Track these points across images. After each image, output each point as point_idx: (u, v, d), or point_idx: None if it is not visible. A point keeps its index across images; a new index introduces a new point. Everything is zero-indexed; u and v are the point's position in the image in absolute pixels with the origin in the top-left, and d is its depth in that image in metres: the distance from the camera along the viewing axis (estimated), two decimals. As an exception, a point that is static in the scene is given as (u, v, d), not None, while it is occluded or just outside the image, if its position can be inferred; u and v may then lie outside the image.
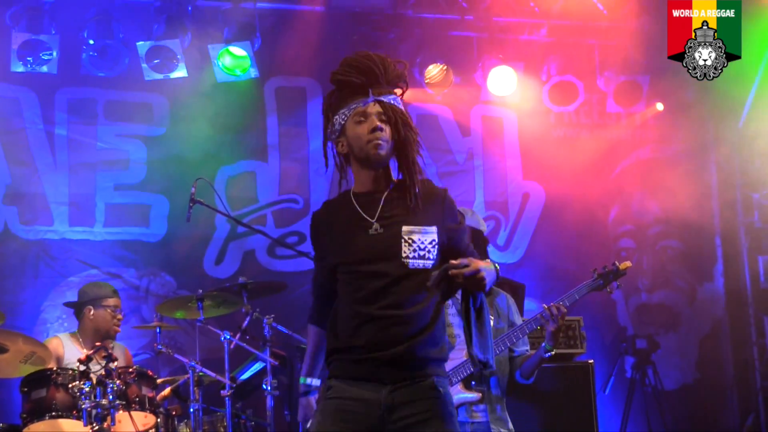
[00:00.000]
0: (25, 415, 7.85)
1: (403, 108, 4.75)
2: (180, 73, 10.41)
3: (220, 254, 10.65)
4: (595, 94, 11.51)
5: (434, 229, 4.63)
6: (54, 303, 10.13)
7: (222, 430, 8.34)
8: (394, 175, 4.74)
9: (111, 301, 8.61)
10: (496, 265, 4.68)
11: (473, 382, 6.95)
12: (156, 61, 10.35)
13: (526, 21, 11.23)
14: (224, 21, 10.37)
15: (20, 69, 10.10)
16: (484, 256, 7.17)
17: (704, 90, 11.50)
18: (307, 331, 4.95)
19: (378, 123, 4.61)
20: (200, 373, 8.16)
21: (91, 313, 8.54)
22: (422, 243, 4.59)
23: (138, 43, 10.28)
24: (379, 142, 4.61)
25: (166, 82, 10.49)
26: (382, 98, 4.66)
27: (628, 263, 7.17)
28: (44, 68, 10.14)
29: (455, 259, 4.52)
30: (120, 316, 8.65)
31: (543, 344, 6.91)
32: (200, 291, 8.31)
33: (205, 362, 8.28)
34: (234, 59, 10.52)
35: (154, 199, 10.60)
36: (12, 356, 7.89)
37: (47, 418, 7.72)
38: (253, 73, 10.60)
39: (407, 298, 4.54)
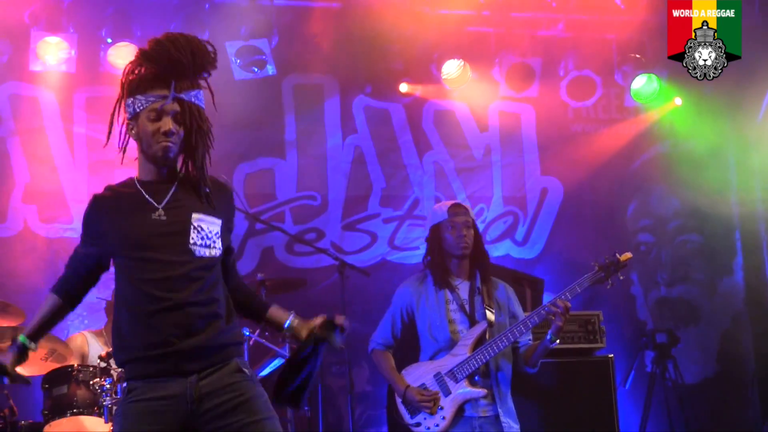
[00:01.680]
0: (46, 412, 7.88)
1: (202, 104, 4.65)
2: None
3: (239, 251, 10.65)
4: (613, 88, 11.49)
5: (220, 221, 4.61)
6: (73, 300, 10.14)
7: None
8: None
9: None
10: None
11: (477, 378, 6.97)
12: (174, 59, 10.35)
13: (543, 16, 11.20)
14: (242, 18, 10.38)
15: (39, 68, 10.14)
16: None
17: (722, 84, 11.46)
18: (45, 299, 4.84)
19: (171, 126, 4.51)
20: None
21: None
22: (210, 232, 4.55)
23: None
24: (169, 145, 4.53)
25: (184, 79, 10.49)
26: (182, 95, 4.54)
27: (628, 254, 7.16)
28: (63, 67, 10.18)
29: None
30: None
31: (548, 336, 6.91)
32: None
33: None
34: (252, 56, 10.51)
35: (171, 194, 10.60)
36: (33, 353, 7.88)
37: (68, 414, 7.75)
38: (271, 70, 10.61)
39: (196, 285, 4.47)
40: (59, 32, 10.06)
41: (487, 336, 7.00)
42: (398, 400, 7.18)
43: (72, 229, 10.30)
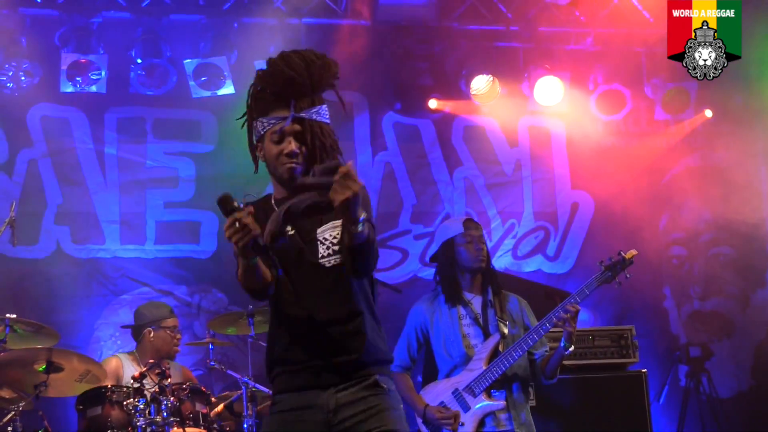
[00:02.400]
0: (80, 433, 7.91)
1: (325, 120, 4.62)
2: (227, 90, 10.47)
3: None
4: (643, 101, 11.45)
5: (339, 222, 4.49)
6: (107, 321, 10.20)
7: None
8: None
9: (170, 322, 8.63)
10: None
11: (493, 391, 6.95)
12: (203, 79, 10.42)
13: (571, 30, 11.20)
14: (270, 37, 10.41)
15: (69, 89, 10.20)
16: None
17: (753, 95, 11.45)
18: None
19: (294, 147, 4.50)
20: (253, 389, 8.18)
21: (152, 335, 8.55)
22: (334, 239, 4.52)
23: (185, 61, 10.35)
24: (293, 166, 4.53)
25: (213, 99, 10.55)
26: (303, 114, 4.52)
27: (634, 251, 7.12)
28: (93, 88, 10.23)
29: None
30: (179, 336, 8.68)
31: (562, 343, 6.89)
32: (251, 307, 8.33)
33: (258, 378, 8.29)
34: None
35: (204, 215, 10.65)
36: (67, 375, 7.94)
37: (103, 435, 7.77)
38: (300, 88, 10.62)
39: (333, 299, 4.47)
40: (89, 53, 10.11)
41: (501, 348, 6.99)
42: (419, 421, 7.17)
43: (104, 250, 10.35)
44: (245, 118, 4.74)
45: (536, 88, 10.97)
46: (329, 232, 4.53)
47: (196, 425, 7.96)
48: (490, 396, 6.95)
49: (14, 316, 7.91)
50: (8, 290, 9.86)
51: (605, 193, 11.40)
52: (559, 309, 6.92)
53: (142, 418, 7.61)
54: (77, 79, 10.14)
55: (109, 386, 7.91)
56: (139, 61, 10.27)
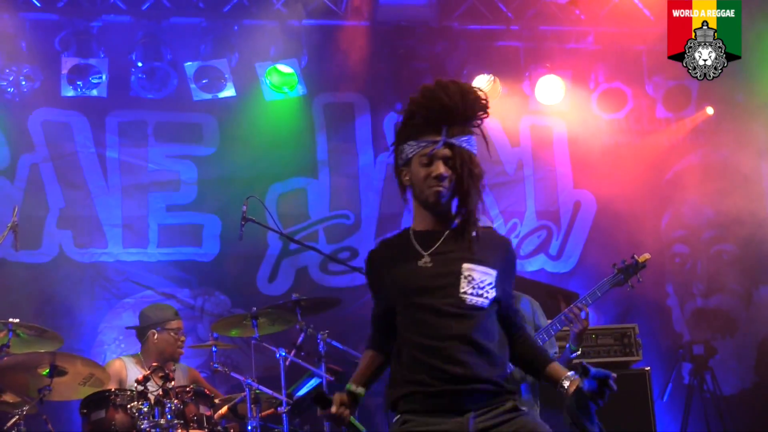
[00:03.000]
0: (85, 437, 7.91)
1: (474, 151, 4.59)
2: (228, 92, 10.48)
3: (273, 271, 10.68)
4: (644, 100, 11.45)
5: (494, 272, 4.55)
6: (110, 325, 10.21)
7: (282, 447, 8.35)
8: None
9: (174, 324, 8.63)
10: None
11: None
12: (204, 81, 10.42)
13: (572, 29, 11.20)
14: (271, 39, 10.42)
15: (70, 93, 10.20)
16: None
17: (754, 92, 11.44)
18: (363, 355, 4.85)
19: (442, 171, 4.48)
20: (257, 391, 8.17)
21: (155, 336, 8.55)
22: (481, 282, 4.50)
23: (186, 64, 10.36)
24: (440, 190, 4.50)
25: (214, 101, 10.56)
26: (453, 140, 4.51)
27: (647, 255, 7.13)
28: (94, 92, 10.24)
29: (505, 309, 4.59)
30: (183, 338, 8.68)
31: (568, 345, 6.90)
32: (254, 309, 8.33)
33: (262, 380, 8.29)
34: (282, 77, 10.57)
35: (206, 218, 10.66)
36: (71, 378, 7.94)
37: (107, 439, 7.77)
38: (301, 90, 10.64)
39: (467, 331, 4.46)
40: (90, 57, 10.11)
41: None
42: None
43: (107, 254, 10.35)
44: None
45: (537, 87, 10.97)
46: (478, 275, 4.51)
47: (200, 428, 7.96)
48: None
49: (17, 320, 7.90)
50: (11, 295, 9.87)
51: (607, 192, 11.39)
52: (568, 309, 6.92)
53: (146, 421, 7.61)
54: (78, 83, 10.15)
55: (113, 390, 7.91)
56: (139, 64, 10.28)
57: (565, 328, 7.05)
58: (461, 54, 10.91)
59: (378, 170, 11.16)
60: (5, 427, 7.61)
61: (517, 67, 11.09)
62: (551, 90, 11.00)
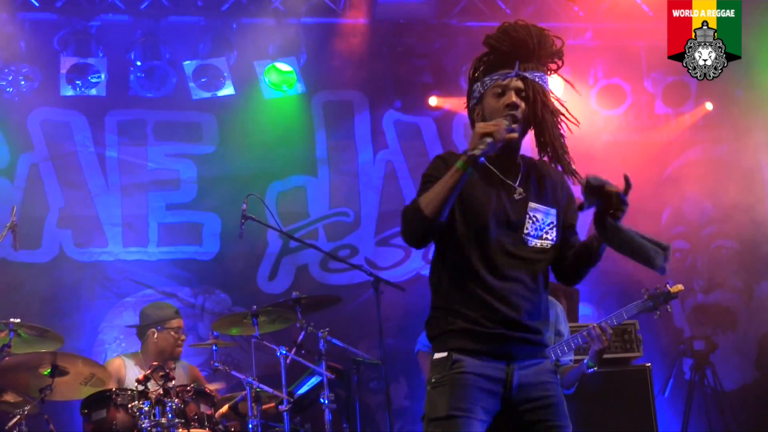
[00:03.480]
0: (86, 437, 7.92)
1: (548, 87, 4.66)
2: (227, 90, 10.48)
3: (274, 270, 10.68)
4: (643, 96, 11.44)
5: (554, 211, 4.62)
6: (111, 324, 10.21)
7: (282, 445, 8.35)
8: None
9: (174, 323, 8.65)
10: None
11: None
12: (203, 80, 10.43)
13: (570, 25, 11.18)
14: (269, 37, 10.42)
15: (69, 93, 10.20)
16: None
17: (753, 88, 11.44)
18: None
19: (514, 99, 4.53)
20: (257, 389, 8.17)
21: (155, 335, 8.57)
22: (543, 222, 4.57)
23: (185, 63, 10.36)
24: (510, 119, 4.50)
25: (213, 100, 10.56)
26: (526, 74, 4.58)
27: (680, 286, 7.14)
28: (93, 91, 10.24)
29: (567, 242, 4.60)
30: (183, 337, 8.69)
31: (585, 360, 6.90)
32: (255, 307, 8.33)
33: (262, 378, 8.29)
34: (280, 75, 10.57)
35: (206, 217, 10.66)
36: (72, 378, 7.95)
37: (108, 438, 7.78)
38: (300, 88, 10.64)
39: (528, 276, 4.50)
40: (89, 57, 10.11)
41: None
42: None
43: (107, 253, 10.36)
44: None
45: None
46: (541, 215, 4.58)
47: (201, 426, 7.96)
48: None
49: (18, 320, 7.90)
50: (12, 295, 9.87)
51: (607, 188, 11.38)
52: (593, 327, 6.92)
53: (147, 421, 7.62)
54: (77, 82, 10.16)
55: (114, 389, 7.91)
56: (138, 63, 10.28)
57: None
58: (460, 51, 10.91)
59: (377, 168, 11.16)
60: (7, 427, 7.62)
61: (515, 64, 11.06)
62: (550, 86, 10.98)
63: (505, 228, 4.50)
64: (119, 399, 7.81)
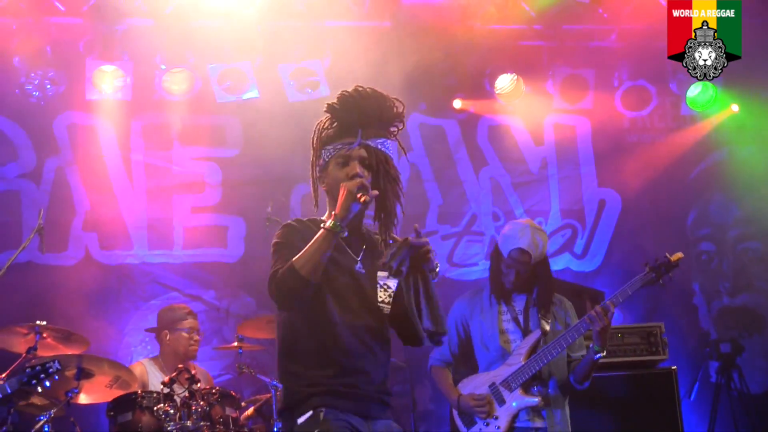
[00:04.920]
0: (112, 439, 7.95)
1: (390, 154, 4.71)
2: (252, 94, 10.50)
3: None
4: (669, 97, 11.41)
5: (395, 281, 4.70)
6: (137, 327, 10.23)
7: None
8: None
9: (186, 324, 8.68)
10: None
11: (534, 388, 6.96)
12: (228, 83, 10.43)
13: (595, 27, 11.15)
14: (294, 40, 10.42)
15: (95, 97, 10.24)
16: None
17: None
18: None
19: (358, 170, 4.57)
20: (283, 392, 8.18)
21: (168, 337, 8.64)
22: (392, 291, 4.67)
23: (209, 66, 10.37)
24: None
25: (238, 103, 10.58)
26: (369, 142, 4.62)
27: (679, 254, 7.12)
28: (119, 95, 10.28)
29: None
30: (196, 337, 8.72)
31: (591, 345, 6.90)
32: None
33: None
34: (305, 78, 10.58)
35: (231, 220, 10.68)
36: (98, 381, 7.98)
37: (134, 441, 7.80)
38: (324, 90, 10.64)
39: (379, 339, 4.63)
40: (114, 61, 10.15)
41: (541, 344, 7.00)
42: (455, 413, 7.22)
43: (132, 255, 10.39)
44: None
45: (560, 85, 10.95)
46: (393, 283, 4.69)
47: (227, 429, 7.98)
48: (526, 391, 6.96)
49: (44, 323, 7.96)
50: (38, 297, 9.90)
51: (632, 190, 11.37)
52: (589, 316, 6.93)
53: (172, 423, 7.65)
54: (103, 86, 10.19)
55: (140, 392, 7.94)
56: (163, 67, 10.30)
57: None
58: (484, 54, 10.89)
59: (402, 170, 10.95)
60: (33, 430, 7.65)
61: (540, 66, 11.06)
62: (574, 88, 10.99)
63: (358, 297, 4.61)
64: (145, 402, 7.84)
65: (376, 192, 4.52)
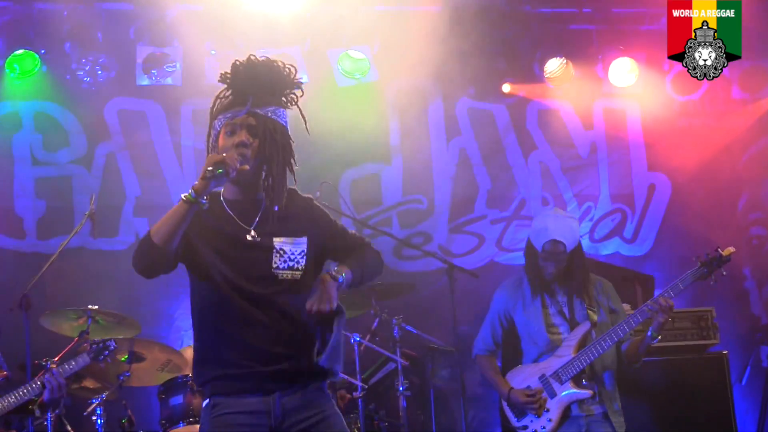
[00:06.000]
0: (163, 422, 8.03)
1: (281, 122, 4.70)
2: (301, 79, 10.49)
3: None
4: (719, 81, 11.23)
5: (304, 239, 4.67)
6: (187, 311, 10.17)
7: (356, 431, 8.39)
8: None
9: None
10: (340, 274, 4.71)
11: (585, 381, 6.95)
12: (277, 68, 10.44)
13: (645, 11, 11.08)
14: (343, 25, 10.42)
15: (146, 82, 10.30)
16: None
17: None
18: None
19: (244, 138, 4.56)
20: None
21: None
22: (293, 254, 4.60)
23: (258, 51, 10.37)
24: (243, 159, 4.54)
25: (287, 88, 10.58)
26: (258, 110, 4.60)
27: (731, 249, 7.07)
28: (169, 80, 10.33)
29: (338, 253, 4.80)
30: None
31: (649, 332, 6.87)
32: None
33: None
34: (354, 63, 10.60)
35: (280, 204, 10.69)
36: (149, 364, 8.06)
37: (185, 424, 7.87)
38: (373, 75, 10.65)
39: (280, 309, 4.55)
40: (164, 46, 10.20)
41: (591, 336, 6.99)
42: (504, 404, 7.20)
43: (182, 240, 10.43)
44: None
45: (610, 69, 10.91)
46: (288, 247, 4.63)
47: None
48: (577, 384, 6.95)
49: (96, 307, 8.03)
50: (90, 282, 9.98)
51: (682, 174, 11.30)
52: (651, 302, 6.90)
53: (223, 407, 7.69)
54: (153, 71, 10.24)
55: (191, 375, 8.00)
56: (213, 52, 10.33)
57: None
58: (533, 37, 10.86)
59: (451, 155, 11.13)
60: (86, 412, 7.73)
61: (589, 50, 11.01)
62: (625, 72, 10.94)
63: (251, 267, 4.55)
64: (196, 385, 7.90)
65: (245, 167, 4.49)
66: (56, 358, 7.67)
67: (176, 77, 10.33)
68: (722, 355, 8.74)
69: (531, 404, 7.00)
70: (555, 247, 7.04)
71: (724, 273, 7.12)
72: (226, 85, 4.69)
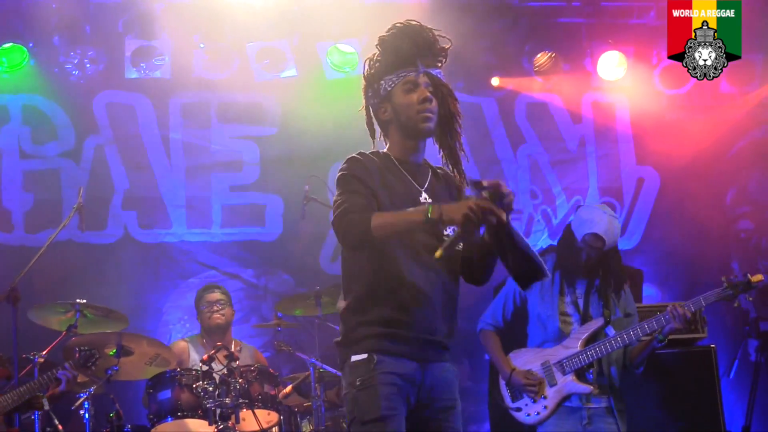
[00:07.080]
0: (151, 416, 8.02)
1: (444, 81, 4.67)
2: (290, 72, 10.51)
3: (336, 250, 10.70)
4: (708, 75, 11.33)
5: None
6: (175, 305, 10.29)
7: (344, 426, 8.39)
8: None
9: (208, 297, 8.91)
10: None
11: (590, 374, 6.95)
12: (266, 62, 10.45)
13: (634, 5, 11.08)
14: (330, 18, 10.41)
15: (134, 75, 10.30)
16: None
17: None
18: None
19: (428, 94, 4.55)
20: (321, 370, 8.22)
21: (198, 316, 8.84)
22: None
23: (248, 45, 10.38)
24: (429, 114, 4.55)
25: (276, 82, 10.59)
26: (430, 70, 4.62)
27: (760, 276, 7.06)
28: (157, 73, 10.33)
29: None
30: (216, 308, 8.82)
31: (657, 337, 6.88)
32: (318, 288, 8.37)
33: (326, 358, 8.34)
34: (342, 56, 10.59)
35: (269, 198, 10.70)
36: (137, 358, 8.04)
37: (173, 418, 7.86)
38: (362, 69, 10.61)
39: (448, 279, 4.54)
40: (153, 39, 10.18)
41: (603, 333, 6.98)
42: (502, 383, 7.21)
43: (171, 234, 10.44)
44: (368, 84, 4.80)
45: (599, 63, 10.92)
46: None
47: (265, 407, 8.04)
48: (580, 377, 6.95)
49: (84, 301, 8.03)
50: (77, 275, 9.99)
51: (671, 168, 11.31)
52: (671, 310, 6.89)
53: (211, 401, 7.71)
54: (141, 65, 10.25)
55: (179, 370, 8.00)
56: (201, 45, 10.32)
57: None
58: (522, 31, 10.86)
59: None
60: (74, 407, 7.72)
61: (578, 44, 11.01)
62: (613, 66, 10.95)
63: (424, 232, 4.45)
64: (184, 379, 7.91)
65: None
66: (44, 352, 7.67)
67: (165, 70, 10.33)
68: (710, 349, 8.74)
69: (531, 388, 7.00)
70: (595, 241, 7.02)
71: (750, 298, 7.14)
72: (384, 48, 4.70)
